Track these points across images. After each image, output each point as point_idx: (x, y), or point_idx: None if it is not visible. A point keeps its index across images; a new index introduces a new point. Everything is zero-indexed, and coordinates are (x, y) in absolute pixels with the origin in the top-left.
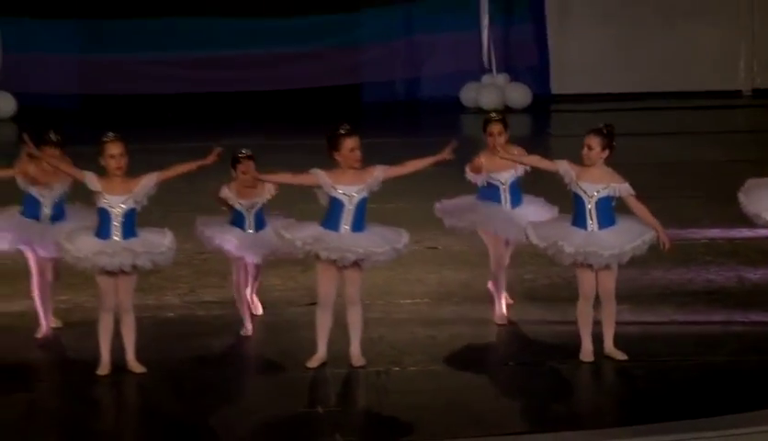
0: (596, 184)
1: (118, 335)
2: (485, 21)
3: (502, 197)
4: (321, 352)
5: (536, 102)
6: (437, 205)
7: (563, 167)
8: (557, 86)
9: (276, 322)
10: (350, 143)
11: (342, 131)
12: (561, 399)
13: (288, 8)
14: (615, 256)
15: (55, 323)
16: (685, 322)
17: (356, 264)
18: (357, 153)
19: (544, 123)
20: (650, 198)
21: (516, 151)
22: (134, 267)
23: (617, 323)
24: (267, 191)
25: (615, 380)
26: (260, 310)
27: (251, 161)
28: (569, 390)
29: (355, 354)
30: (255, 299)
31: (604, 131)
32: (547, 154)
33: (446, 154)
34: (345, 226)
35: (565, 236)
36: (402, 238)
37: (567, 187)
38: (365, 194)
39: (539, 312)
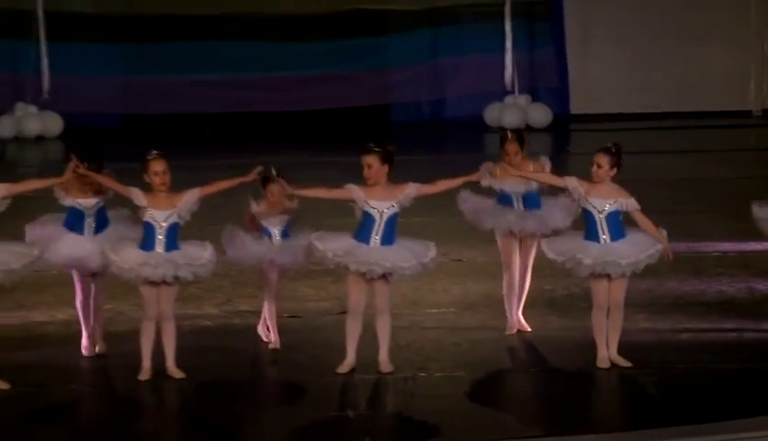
0: (605, 199)
1: (159, 342)
2: (508, 44)
3: (515, 204)
4: (351, 358)
5: (556, 121)
6: (461, 195)
7: (572, 184)
8: (576, 107)
9: (307, 329)
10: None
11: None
12: (580, 404)
13: (320, 33)
14: (632, 265)
15: (99, 346)
16: (698, 330)
17: (384, 276)
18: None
19: (564, 142)
20: (665, 213)
21: (534, 166)
22: (176, 278)
23: (633, 331)
24: (291, 210)
25: (630, 386)
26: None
27: (278, 183)
28: (587, 395)
29: (384, 360)
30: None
31: (613, 150)
32: (566, 171)
33: (475, 177)
34: (376, 239)
35: (582, 249)
36: (429, 252)
37: (576, 203)
38: (396, 209)
39: (558, 321)
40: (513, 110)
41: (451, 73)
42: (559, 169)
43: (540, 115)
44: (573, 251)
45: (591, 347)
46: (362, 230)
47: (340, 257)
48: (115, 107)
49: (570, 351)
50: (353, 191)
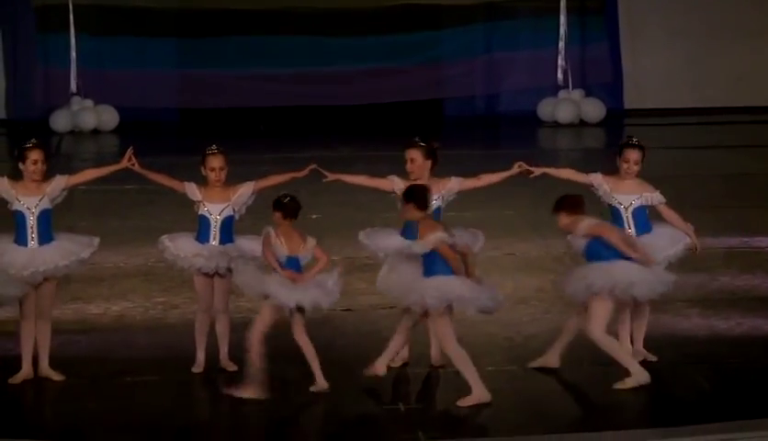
0: (631, 194)
1: (212, 335)
2: (562, 39)
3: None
4: (403, 352)
5: (609, 116)
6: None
7: (597, 180)
8: (629, 101)
9: (360, 324)
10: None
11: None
12: (632, 398)
13: (375, 27)
14: (668, 257)
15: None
16: (751, 325)
17: None
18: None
19: (617, 137)
20: (718, 208)
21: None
22: (229, 270)
23: (686, 326)
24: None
25: (682, 381)
26: None
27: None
28: (639, 389)
29: (437, 353)
30: None
31: (640, 144)
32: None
33: (517, 169)
34: None
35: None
36: (478, 242)
37: (600, 199)
38: (438, 203)
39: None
40: (567, 105)
41: (505, 68)
42: (612, 164)
43: (594, 110)
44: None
45: (644, 341)
46: (407, 225)
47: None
48: (170, 101)
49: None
50: (395, 183)
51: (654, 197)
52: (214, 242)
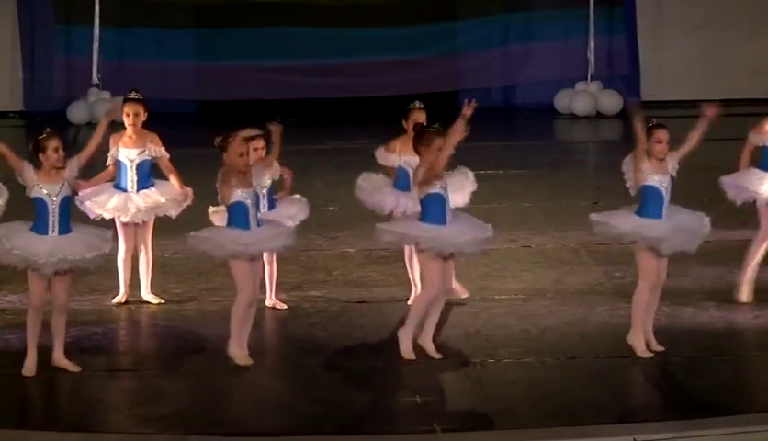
0: (666, 175)
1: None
2: (591, 31)
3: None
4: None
5: (626, 108)
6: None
7: (644, 167)
8: (647, 93)
9: (376, 314)
10: (54, 143)
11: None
12: (648, 391)
13: (391, 19)
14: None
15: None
16: None
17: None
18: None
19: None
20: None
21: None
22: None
23: (704, 319)
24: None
25: (698, 375)
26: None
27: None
28: (656, 382)
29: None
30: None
31: (663, 125)
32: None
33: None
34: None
35: (647, 226)
36: (487, 232)
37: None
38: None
39: (628, 308)
40: (584, 97)
41: (522, 60)
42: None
43: (611, 101)
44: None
45: (661, 334)
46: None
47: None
48: (189, 92)
49: None
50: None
51: (674, 161)
52: (254, 226)
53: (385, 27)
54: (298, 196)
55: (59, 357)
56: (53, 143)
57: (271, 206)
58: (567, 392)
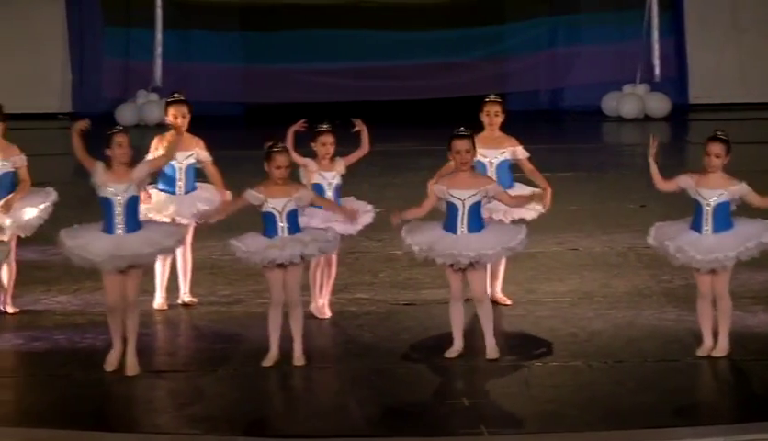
0: (713, 190)
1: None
2: (655, 35)
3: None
4: (458, 344)
5: (674, 111)
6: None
7: (685, 182)
8: (695, 96)
9: (423, 317)
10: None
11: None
12: (695, 395)
13: (439, 22)
14: (719, 261)
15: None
16: None
17: (472, 264)
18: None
19: (682, 131)
20: None
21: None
22: (302, 258)
23: (751, 322)
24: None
25: (746, 379)
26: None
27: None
28: (703, 386)
29: (490, 346)
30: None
31: (724, 138)
32: (685, 160)
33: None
34: (462, 228)
35: (674, 237)
36: (518, 235)
37: (690, 196)
38: (477, 198)
39: (676, 312)
40: (632, 99)
41: (569, 62)
42: (677, 158)
43: (659, 104)
44: (665, 238)
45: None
46: (448, 220)
47: (425, 252)
48: (236, 95)
49: (687, 342)
50: (436, 192)
51: (739, 189)
52: (283, 233)
53: (432, 29)
54: (363, 202)
55: (130, 357)
56: (118, 138)
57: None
58: (614, 396)
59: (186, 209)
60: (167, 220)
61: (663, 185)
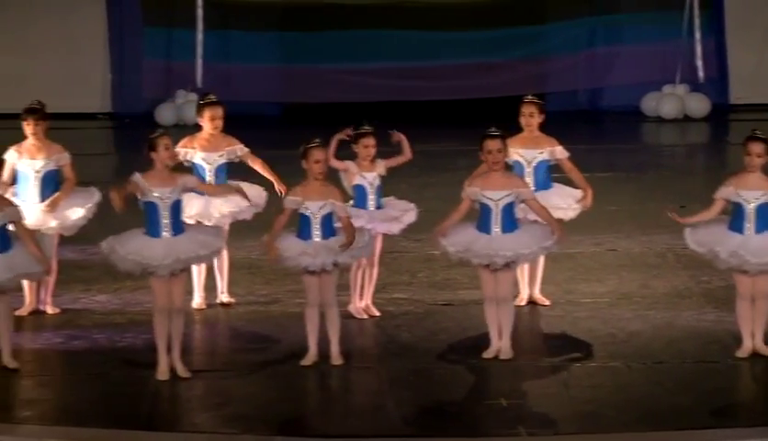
0: (755, 190)
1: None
2: (697, 36)
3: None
4: (495, 344)
5: (714, 111)
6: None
7: (726, 193)
8: (735, 96)
9: (461, 317)
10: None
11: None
12: (735, 396)
13: (478, 22)
14: (763, 264)
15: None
16: None
17: (507, 264)
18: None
19: (722, 132)
20: None
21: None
22: (335, 265)
23: None
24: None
25: None
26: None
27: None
28: (743, 387)
29: (505, 347)
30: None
31: (764, 137)
32: (725, 161)
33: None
34: (496, 229)
35: (721, 241)
36: (554, 235)
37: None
38: (511, 198)
39: (715, 313)
40: (671, 100)
41: (608, 62)
42: (717, 159)
43: (699, 104)
44: (712, 243)
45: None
46: (481, 220)
47: (461, 253)
48: (274, 95)
49: (726, 343)
50: (469, 195)
51: None
52: (317, 238)
53: (470, 29)
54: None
55: (175, 358)
56: (164, 141)
57: (378, 205)
58: (653, 397)
59: (216, 209)
60: (191, 221)
61: (709, 214)
